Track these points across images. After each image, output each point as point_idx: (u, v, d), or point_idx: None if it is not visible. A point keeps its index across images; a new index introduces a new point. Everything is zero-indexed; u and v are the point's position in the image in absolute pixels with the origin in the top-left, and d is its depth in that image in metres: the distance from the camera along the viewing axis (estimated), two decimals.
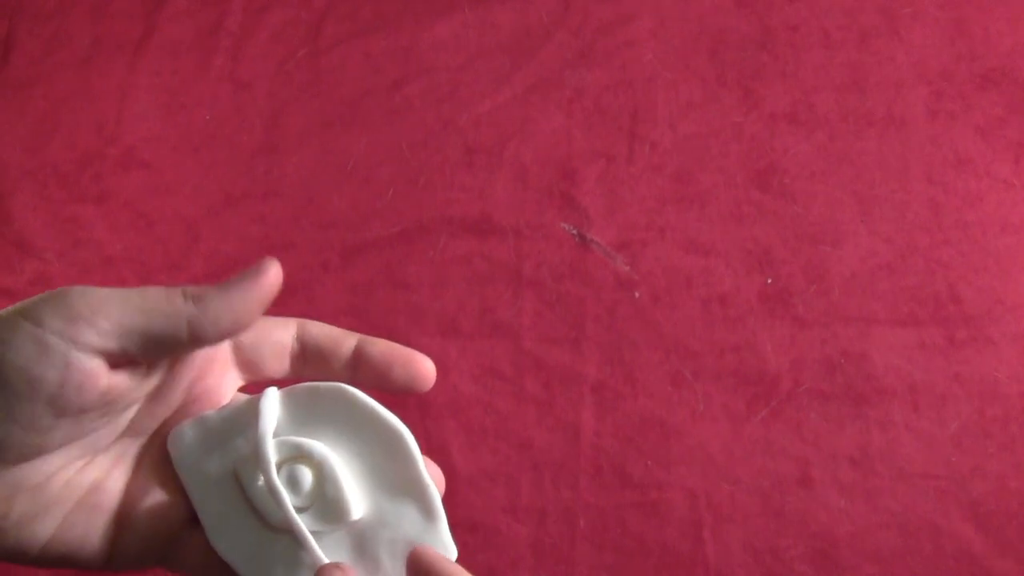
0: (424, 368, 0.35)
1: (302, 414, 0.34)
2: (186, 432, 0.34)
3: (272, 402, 0.33)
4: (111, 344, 0.29)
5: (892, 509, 0.60)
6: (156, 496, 0.33)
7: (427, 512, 0.33)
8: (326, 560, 0.32)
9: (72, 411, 0.29)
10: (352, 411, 0.34)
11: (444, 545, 0.33)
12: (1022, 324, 0.63)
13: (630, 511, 0.61)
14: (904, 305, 0.64)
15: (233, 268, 0.69)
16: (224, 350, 0.34)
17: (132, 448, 0.34)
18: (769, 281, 0.66)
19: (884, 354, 0.63)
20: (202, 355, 0.33)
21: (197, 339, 0.30)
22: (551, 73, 0.73)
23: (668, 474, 0.62)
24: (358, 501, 0.33)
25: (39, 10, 0.79)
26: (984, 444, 0.61)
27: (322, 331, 0.35)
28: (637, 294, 0.66)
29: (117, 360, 0.30)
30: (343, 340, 0.35)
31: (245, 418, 0.34)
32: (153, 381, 0.32)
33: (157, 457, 0.34)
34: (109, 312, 0.29)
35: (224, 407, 0.34)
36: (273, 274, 0.32)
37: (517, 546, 0.61)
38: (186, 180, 0.72)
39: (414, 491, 0.33)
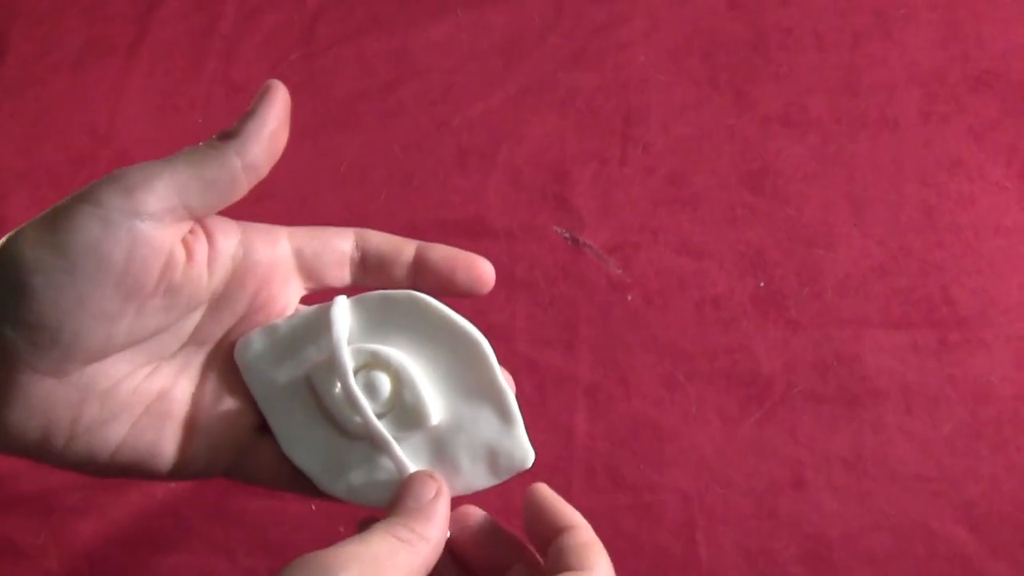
0: (486, 270, 0.35)
1: (375, 322, 0.34)
2: (254, 341, 0.34)
3: (343, 309, 0.34)
4: (171, 201, 0.30)
5: (885, 511, 0.60)
6: (224, 405, 0.34)
7: (504, 415, 0.34)
8: (411, 465, 0.33)
9: (138, 293, 0.30)
10: (426, 318, 0.34)
11: (521, 448, 0.34)
12: (1015, 326, 0.63)
13: (623, 513, 0.61)
14: (897, 307, 0.64)
15: None
16: (286, 259, 0.35)
17: (197, 357, 0.34)
18: (762, 284, 0.66)
19: (877, 356, 0.63)
20: (265, 262, 0.34)
21: (248, 165, 0.32)
22: (544, 75, 0.73)
23: (661, 476, 0.62)
24: (436, 406, 0.33)
25: (32, 12, 0.79)
26: (977, 446, 0.61)
27: (382, 239, 0.36)
28: (630, 296, 0.66)
29: (180, 223, 0.31)
30: (403, 247, 0.36)
31: (316, 326, 0.34)
32: (216, 278, 0.33)
33: (223, 366, 0.35)
34: (162, 174, 0.30)
35: (292, 316, 0.34)
36: (281, 85, 0.33)
37: None
38: None
39: (490, 395, 0.33)
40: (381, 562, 0.28)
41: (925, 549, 0.59)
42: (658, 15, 0.74)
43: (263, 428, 0.35)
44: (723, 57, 0.72)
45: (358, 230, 0.36)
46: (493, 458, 0.34)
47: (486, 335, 0.34)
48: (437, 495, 0.31)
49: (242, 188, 0.33)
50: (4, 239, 0.30)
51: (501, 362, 0.34)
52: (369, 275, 0.36)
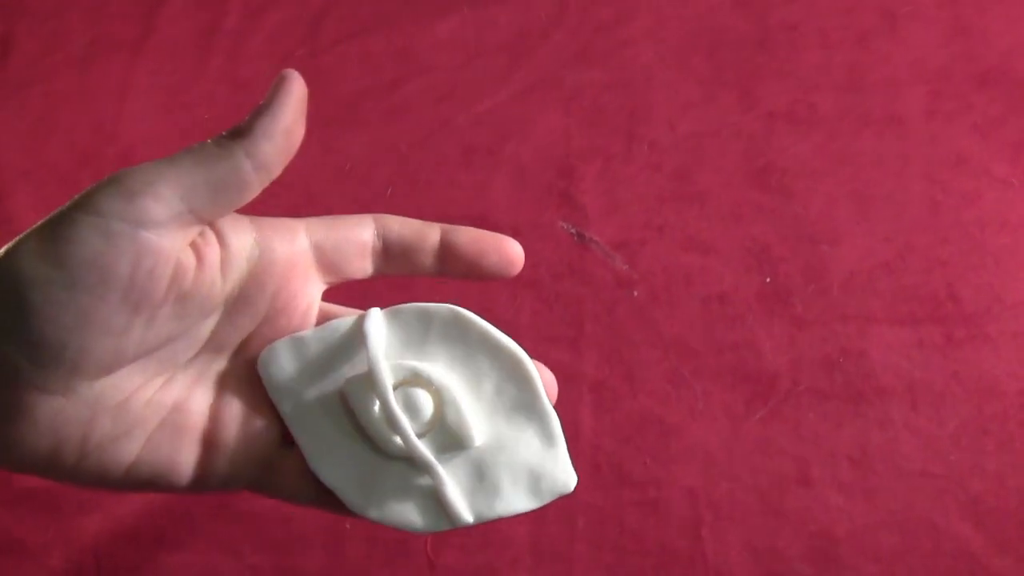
0: (516, 252, 0.33)
1: (412, 336, 0.32)
2: (279, 353, 0.32)
3: (378, 322, 0.32)
4: (177, 206, 0.28)
5: (891, 507, 0.60)
6: (245, 418, 0.32)
7: (547, 437, 0.32)
8: (455, 488, 0.31)
9: (146, 304, 0.28)
10: (467, 334, 0.32)
11: (564, 471, 0.32)
12: (1020, 322, 0.63)
13: (629, 510, 0.61)
14: (903, 304, 0.64)
15: None
16: (305, 255, 0.32)
17: (215, 366, 0.32)
18: (768, 280, 0.66)
19: (883, 353, 0.63)
20: (283, 260, 0.32)
21: (259, 165, 0.29)
22: (549, 72, 0.73)
23: (667, 473, 0.62)
24: (479, 427, 0.32)
25: (38, 10, 0.79)
26: (983, 442, 0.61)
27: (404, 224, 0.34)
28: (636, 293, 0.66)
29: (187, 228, 0.29)
30: (427, 232, 0.33)
31: (348, 340, 0.32)
32: (231, 281, 0.31)
33: (243, 376, 0.32)
34: (165, 177, 0.28)
35: (321, 328, 0.33)
36: (296, 76, 0.31)
37: (516, 545, 0.61)
38: None
39: (533, 416, 0.32)
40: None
41: (931, 545, 0.59)
42: (663, 12, 0.74)
43: (287, 442, 0.33)
44: (728, 54, 0.72)
45: (377, 216, 0.34)
46: (535, 481, 0.32)
47: None
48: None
49: (253, 190, 0.30)
50: (3, 251, 0.28)
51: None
52: (392, 264, 0.34)
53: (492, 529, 0.61)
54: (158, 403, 0.31)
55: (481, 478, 0.32)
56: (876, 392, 0.62)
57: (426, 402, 0.31)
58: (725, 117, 0.70)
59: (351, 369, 0.32)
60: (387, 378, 0.31)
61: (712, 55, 0.72)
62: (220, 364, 0.32)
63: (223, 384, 0.32)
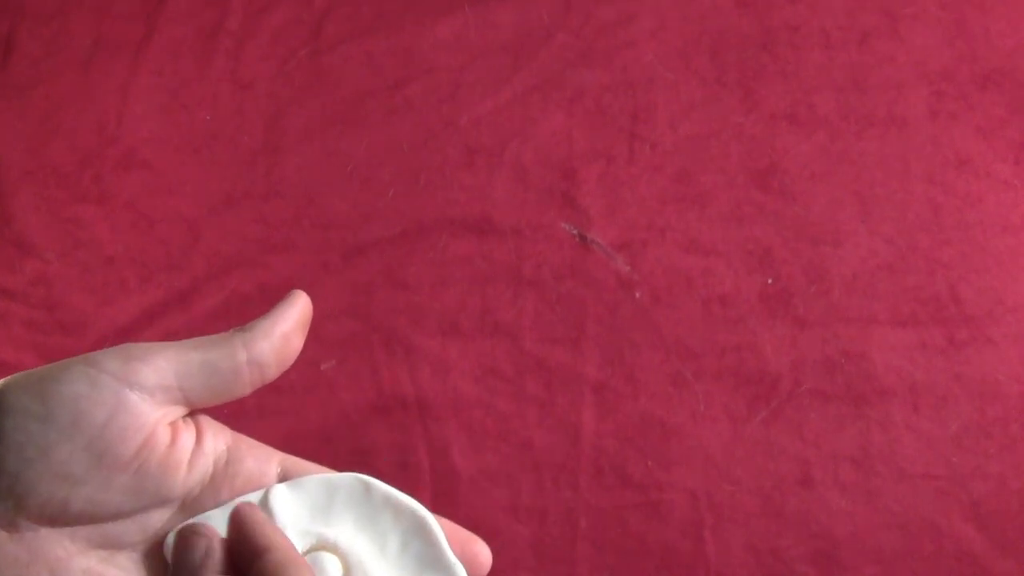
0: (484, 556, 0.34)
1: (318, 505, 0.33)
2: None
3: (282, 496, 0.33)
4: (167, 379, 0.29)
5: (893, 509, 0.60)
6: None
7: None
8: None
9: (109, 461, 0.29)
10: (370, 497, 0.33)
11: None
12: (1023, 324, 0.63)
13: (631, 511, 0.61)
14: (905, 305, 0.64)
15: (233, 268, 0.69)
16: (270, 481, 0.33)
17: (158, 561, 0.32)
18: (770, 281, 0.66)
19: (885, 354, 0.63)
20: (245, 476, 0.32)
21: (253, 360, 0.31)
22: (552, 73, 0.73)
23: (669, 474, 0.62)
24: None
25: (40, 11, 0.79)
26: (985, 444, 0.61)
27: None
28: (638, 294, 0.66)
29: (172, 405, 0.30)
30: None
31: None
32: (195, 476, 0.31)
33: None
34: (165, 352, 0.30)
35: (226, 506, 0.33)
36: (303, 295, 0.33)
37: (518, 546, 0.61)
38: (186, 180, 0.72)
39: (440, 569, 0.33)
40: None
41: (933, 547, 0.59)
42: (666, 13, 0.73)
43: None
44: (730, 55, 0.72)
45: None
46: None
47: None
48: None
49: (244, 383, 0.31)
50: (2, 382, 0.29)
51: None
52: None
53: (493, 530, 0.61)
54: (97, 574, 0.30)
55: None
56: (878, 394, 0.62)
57: (334, 567, 0.32)
58: (727, 118, 0.70)
59: None
60: (296, 547, 0.31)
61: (714, 56, 0.72)
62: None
63: None
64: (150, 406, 0.29)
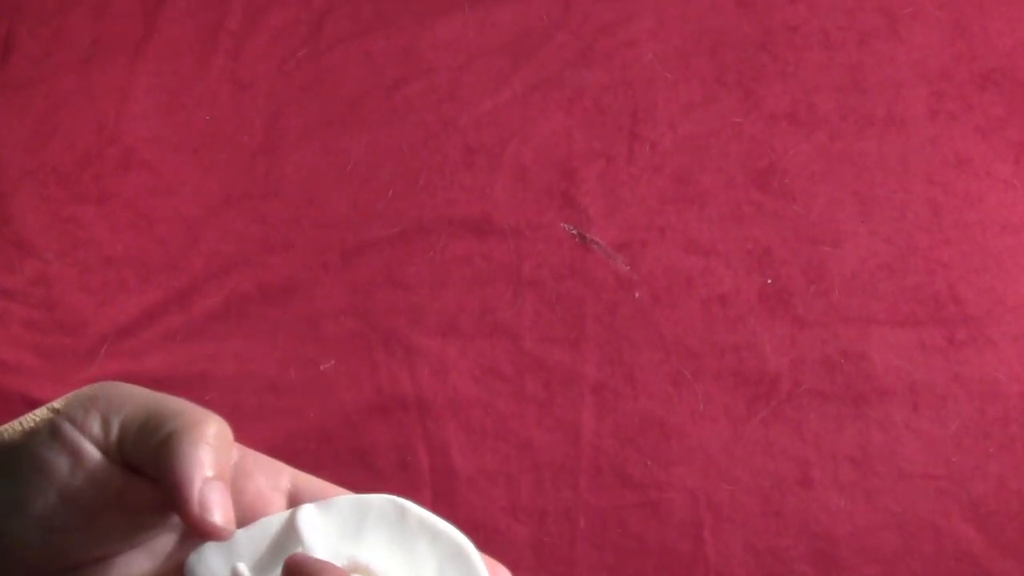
0: None
1: (349, 527, 0.32)
2: (208, 555, 0.31)
3: (311, 517, 0.32)
4: (112, 435, 0.28)
5: (892, 509, 0.60)
6: None
7: None
8: None
9: (86, 508, 0.28)
10: (405, 522, 0.32)
11: None
12: (1022, 324, 0.63)
13: (630, 511, 0.61)
14: (904, 305, 0.64)
15: (233, 268, 0.69)
16: (279, 498, 0.32)
17: None
18: (769, 281, 0.66)
19: (884, 354, 0.63)
20: (254, 492, 0.32)
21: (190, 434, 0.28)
22: (551, 73, 0.73)
23: (668, 474, 0.62)
24: None
25: (39, 10, 0.79)
26: (984, 444, 0.61)
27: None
28: (637, 294, 0.66)
29: (122, 460, 0.28)
30: None
31: (282, 537, 0.32)
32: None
33: None
34: (124, 404, 0.28)
35: (251, 526, 0.32)
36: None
37: (517, 546, 0.61)
38: (186, 180, 0.72)
39: None
40: None
41: (932, 547, 0.59)
42: (665, 13, 0.73)
43: None
44: (730, 55, 0.72)
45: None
46: None
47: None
48: None
49: (182, 466, 0.28)
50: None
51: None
52: None
53: (493, 530, 0.61)
54: None
55: None
56: (877, 394, 0.62)
57: None
58: (727, 118, 0.70)
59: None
60: None
61: (714, 56, 0.72)
62: None
63: None
64: (107, 460, 0.28)
